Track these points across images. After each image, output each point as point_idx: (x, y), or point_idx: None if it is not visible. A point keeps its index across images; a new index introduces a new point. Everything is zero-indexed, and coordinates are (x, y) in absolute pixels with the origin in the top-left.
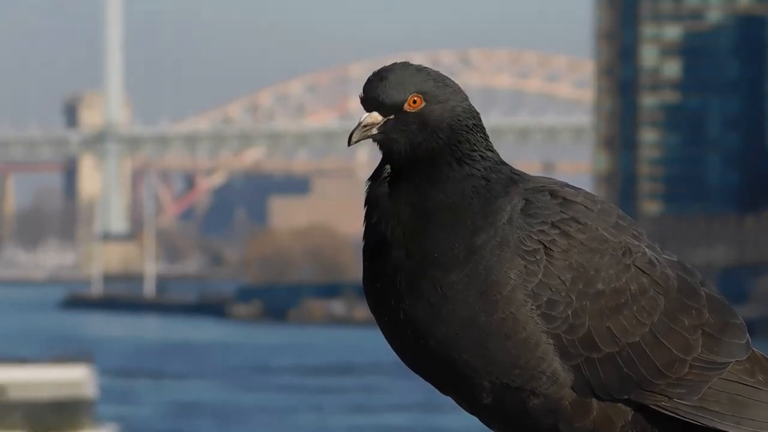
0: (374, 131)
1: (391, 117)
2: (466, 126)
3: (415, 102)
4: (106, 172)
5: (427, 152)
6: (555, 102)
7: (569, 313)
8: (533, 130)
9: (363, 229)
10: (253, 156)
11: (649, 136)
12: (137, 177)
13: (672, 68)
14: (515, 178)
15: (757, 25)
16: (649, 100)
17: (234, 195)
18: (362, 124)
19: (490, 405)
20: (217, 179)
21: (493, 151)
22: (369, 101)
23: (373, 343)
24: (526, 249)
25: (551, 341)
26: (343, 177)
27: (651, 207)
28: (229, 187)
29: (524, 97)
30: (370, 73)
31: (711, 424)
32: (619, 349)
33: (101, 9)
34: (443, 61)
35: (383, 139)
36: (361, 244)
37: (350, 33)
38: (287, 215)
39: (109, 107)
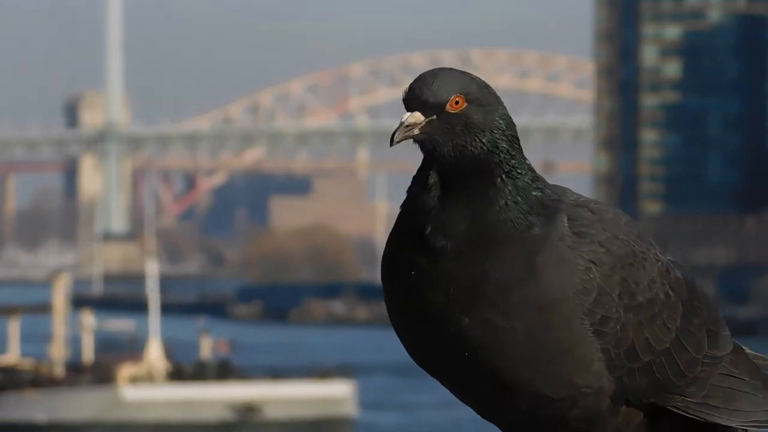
0: (416, 131)
1: (434, 117)
2: (511, 135)
3: (457, 103)
4: (107, 172)
5: (472, 158)
6: (555, 102)
7: (618, 327)
8: (533, 130)
9: (399, 233)
10: (253, 156)
11: (649, 136)
12: (138, 177)
13: (672, 68)
14: (556, 190)
15: (757, 25)
16: (649, 100)
17: (234, 195)
18: (404, 124)
19: (523, 412)
20: (217, 179)
21: (528, 160)
22: (412, 100)
23: (373, 344)
24: (581, 268)
25: (602, 356)
26: (344, 177)
27: (651, 207)
28: (230, 187)
29: (524, 97)
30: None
31: (710, 419)
32: (654, 357)
33: (101, 9)
34: (443, 61)
35: (425, 140)
36: (363, 244)
37: (350, 33)
38: (288, 215)
39: (110, 107)
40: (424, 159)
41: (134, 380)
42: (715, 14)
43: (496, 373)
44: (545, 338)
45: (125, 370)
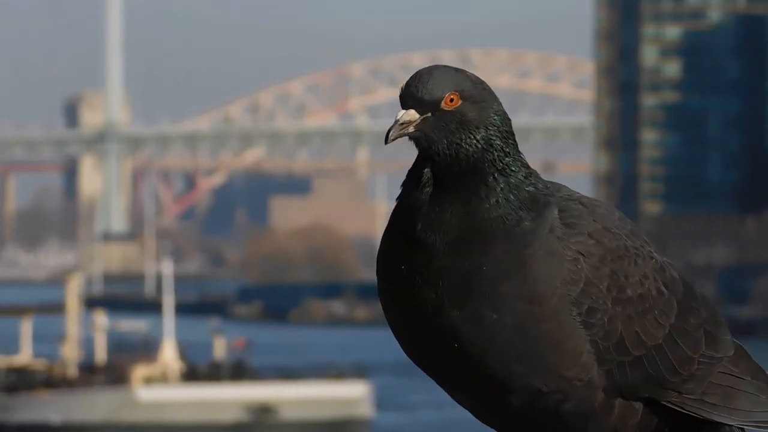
0: (411, 129)
1: (429, 115)
2: (506, 131)
3: (452, 100)
4: (107, 172)
5: (466, 155)
6: (555, 102)
7: (605, 320)
8: (533, 130)
9: (392, 230)
10: (253, 156)
11: (649, 136)
12: (138, 177)
13: (672, 68)
14: (549, 185)
15: (757, 25)
16: (649, 100)
17: (234, 195)
18: (399, 122)
19: (517, 408)
20: (217, 179)
21: (522, 155)
22: (407, 98)
23: (373, 344)
24: (568, 258)
25: (591, 348)
26: (344, 177)
27: (651, 207)
28: (230, 187)
29: (524, 97)
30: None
31: (708, 417)
32: (646, 352)
33: (101, 9)
34: (443, 61)
35: (420, 137)
36: (363, 244)
37: (350, 33)
38: (288, 215)
39: (110, 107)
40: (418, 155)
41: (148, 381)
42: (715, 14)
43: (486, 366)
44: (534, 331)
45: (139, 371)
